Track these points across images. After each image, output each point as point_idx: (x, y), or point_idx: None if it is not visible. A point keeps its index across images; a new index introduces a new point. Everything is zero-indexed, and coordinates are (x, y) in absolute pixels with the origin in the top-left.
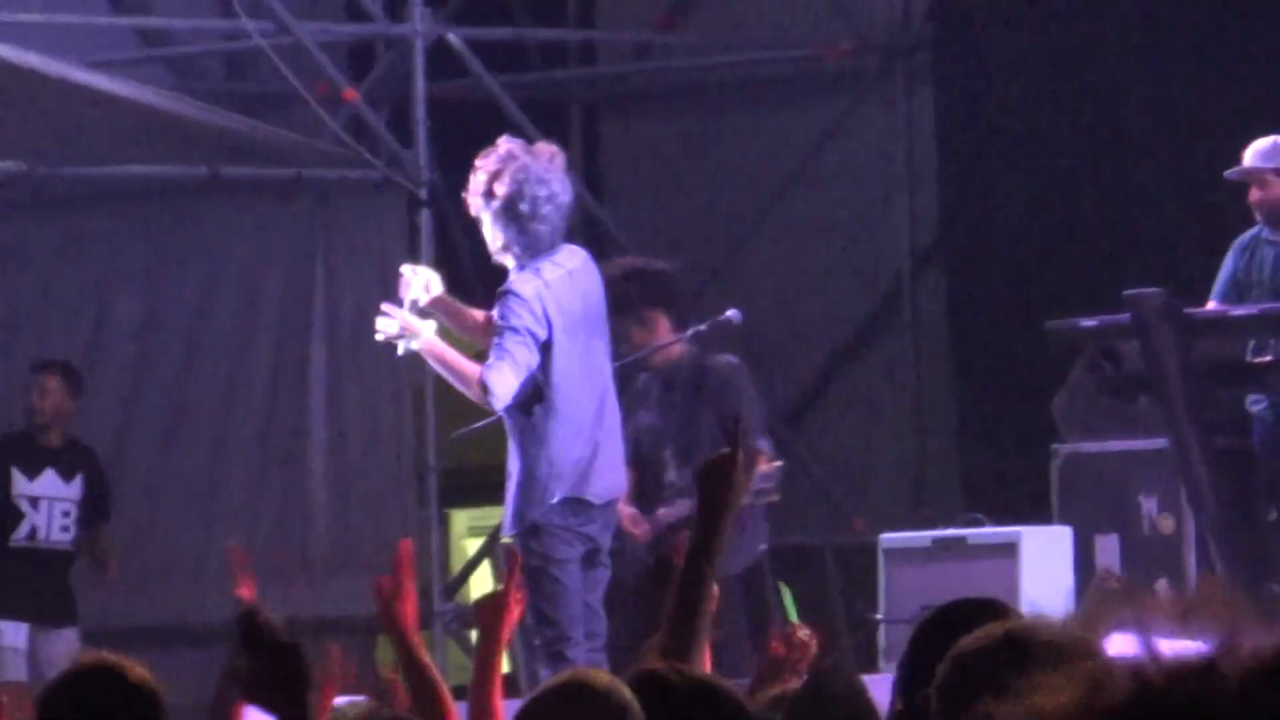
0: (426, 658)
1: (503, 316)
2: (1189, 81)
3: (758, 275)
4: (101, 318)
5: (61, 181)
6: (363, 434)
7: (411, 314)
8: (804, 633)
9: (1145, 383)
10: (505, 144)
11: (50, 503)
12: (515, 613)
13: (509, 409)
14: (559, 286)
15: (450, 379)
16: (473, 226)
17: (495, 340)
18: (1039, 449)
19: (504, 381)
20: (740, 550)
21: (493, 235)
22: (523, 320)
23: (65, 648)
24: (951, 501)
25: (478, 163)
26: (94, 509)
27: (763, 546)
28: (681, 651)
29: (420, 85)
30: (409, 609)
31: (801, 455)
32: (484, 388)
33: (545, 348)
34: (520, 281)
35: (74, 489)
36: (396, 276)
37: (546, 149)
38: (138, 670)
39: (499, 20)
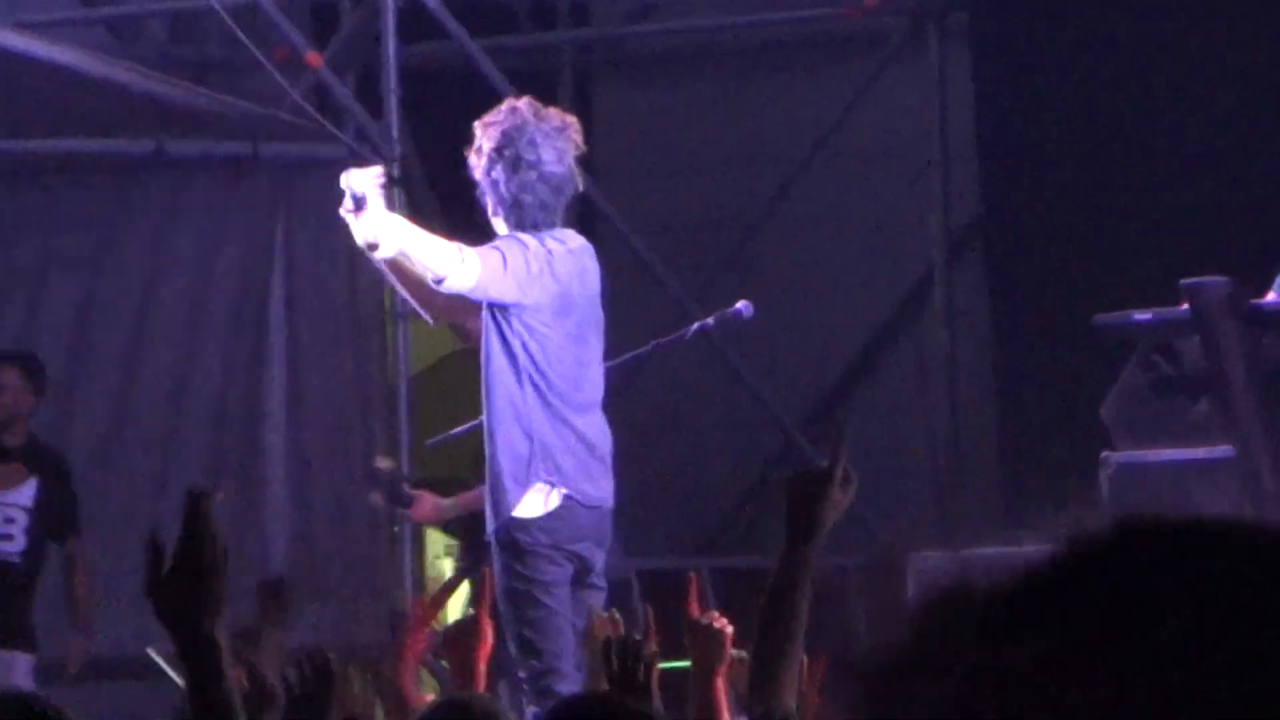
0: None
1: (494, 245)
2: (1261, 35)
3: (773, 263)
4: (34, 308)
5: None
6: (326, 441)
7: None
8: (715, 620)
9: (1207, 383)
10: (516, 101)
11: None
12: (488, 641)
13: (487, 389)
14: (560, 259)
15: (423, 260)
16: (451, 209)
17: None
18: (1088, 457)
19: (483, 264)
20: None
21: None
22: (515, 254)
23: (5, 674)
24: (991, 517)
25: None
26: (58, 521)
27: None
28: (767, 680)
29: (391, 49)
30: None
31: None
32: (461, 256)
33: (530, 324)
34: (522, 234)
35: (24, 494)
36: (364, 265)
37: (558, 116)
38: (64, 712)
39: None
